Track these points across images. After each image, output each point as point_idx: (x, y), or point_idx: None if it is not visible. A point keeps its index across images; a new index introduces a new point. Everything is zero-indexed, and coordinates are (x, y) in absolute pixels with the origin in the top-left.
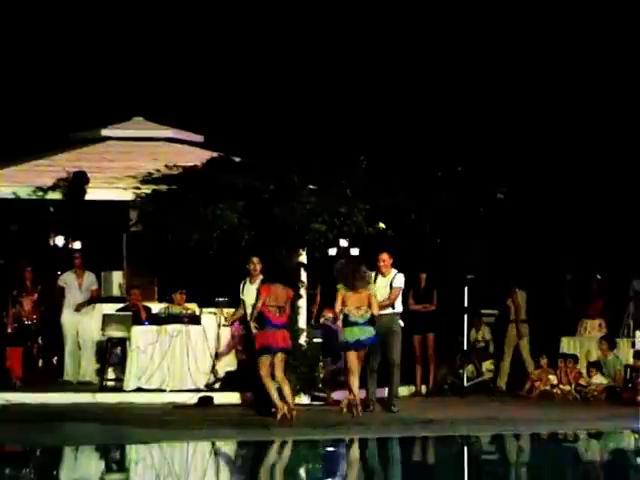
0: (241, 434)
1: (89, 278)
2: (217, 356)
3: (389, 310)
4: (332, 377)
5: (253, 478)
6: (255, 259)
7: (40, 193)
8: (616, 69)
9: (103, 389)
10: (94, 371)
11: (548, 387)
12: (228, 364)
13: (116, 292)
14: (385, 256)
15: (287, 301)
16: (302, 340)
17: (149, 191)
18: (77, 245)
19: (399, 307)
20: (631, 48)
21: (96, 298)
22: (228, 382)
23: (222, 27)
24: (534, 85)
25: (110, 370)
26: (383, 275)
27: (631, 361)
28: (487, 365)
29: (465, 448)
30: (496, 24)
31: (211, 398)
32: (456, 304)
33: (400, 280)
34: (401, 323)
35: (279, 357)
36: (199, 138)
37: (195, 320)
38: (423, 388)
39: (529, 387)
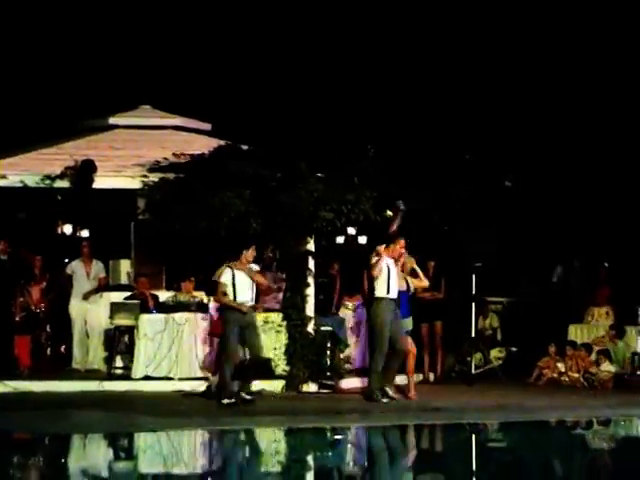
0: (248, 422)
1: (97, 266)
2: None
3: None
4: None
5: (260, 466)
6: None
7: (48, 181)
8: (625, 57)
9: (111, 377)
10: (102, 359)
11: (556, 375)
12: None
13: (124, 280)
14: (404, 242)
15: None
16: (310, 328)
17: (157, 179)
18: (85, 233)
19: None
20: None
21: (104, 286)
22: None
23: (230, 15)
24: (541, 74)
25: (118, 358)
26: (396, 261)
27: (639, 348)
28: (495, 353)
29: (473, 436)
30: (503, 12)
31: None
32: (464, 292)
33: None
34: None
35: None
36: (206, 126)
37: (203, 308)
38: (431, 376)
39: (537, 375)
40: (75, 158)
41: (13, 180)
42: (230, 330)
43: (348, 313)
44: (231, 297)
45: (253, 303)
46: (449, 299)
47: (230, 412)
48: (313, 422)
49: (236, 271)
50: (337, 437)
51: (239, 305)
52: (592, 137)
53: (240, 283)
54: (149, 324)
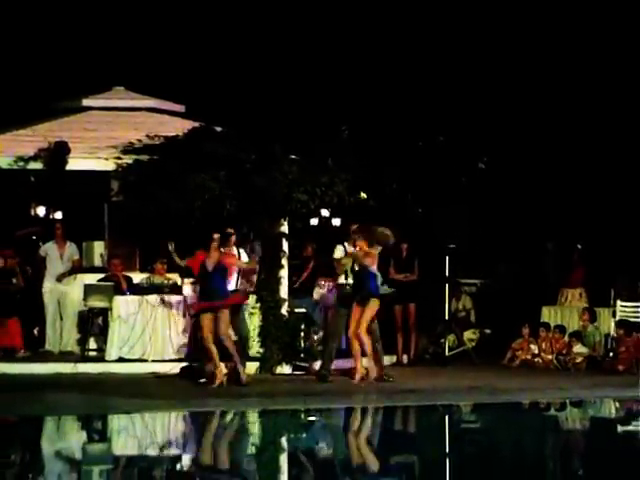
0: (223, 404)
1: (70, 248)
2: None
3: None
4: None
5: (236, 447)
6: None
7: (21, 163)
8: (593, 43)
9: (85, 359)
10: (76, 341)
11: (529, 356)
12: None
13: (97, 262)
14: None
15: None
16: (283, 310)
17: (130, 161)
18: (58, 215)
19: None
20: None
21: (77, 268)
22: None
23: None
24: (514, 56)
25: (92, 340)
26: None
27: (612, 330)
28: (468, 334)
29: (447, 417)
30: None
31: (193, 368)
32: (437, 274)
33: None
34: None
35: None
36: (180, 108)
37: (177, 290)
38: (404, 358)
39: (510, 356)
40: (48, 140)
41: None
42: None
43: (322, 293)
44: None
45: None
46: (422, 281)
47: (203, 394)
48: (287, 404)
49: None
50: (311, 419)
51: None
52: (565, 120)
53: None
54: (123, 306)
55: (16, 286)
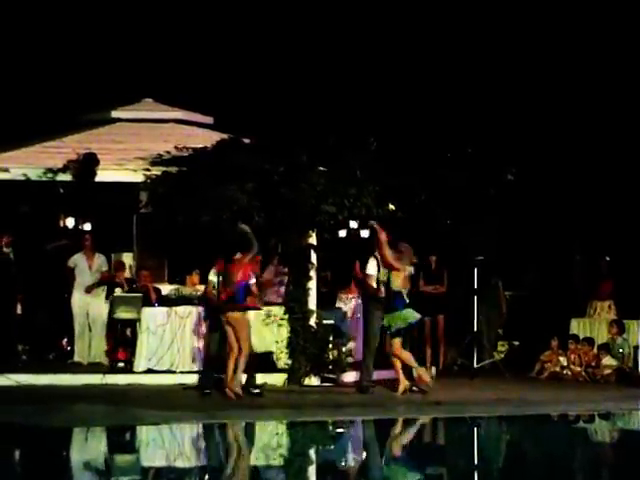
0: (250, 415)
1: (99, 259)
2: None
3: None
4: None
5: (262, 459)
6: None
7: (50, 174)
8: (623, 52)
9: (113, 370)
10: (104, 352)
11: (558, 369)
12: None
13: (126, 274)
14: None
15: None
16: (312, 322)
17: (159, 173)
18: (87, 227)
19: None
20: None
21: (106, 279)
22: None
23: (232, 8)
24: (544, 67)
25: (120, 351)
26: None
27: None
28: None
29: (475, 429)
30: (505, 5)
31: (221, 379)
32: (466, 286)
33: None
34: None
35: None
36: (209, 120)
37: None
38: (433, 369)
39: (539, 369)
40: (77, 151)
41: (16, 173)
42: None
43: (343, 306)
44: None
45: None
46: (451, 293)
47: (231, 405)
48: (315, 415)
49: None
50: (339, 430)
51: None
52: (593, 131)
53: None
54: (151, 317)
55: None
